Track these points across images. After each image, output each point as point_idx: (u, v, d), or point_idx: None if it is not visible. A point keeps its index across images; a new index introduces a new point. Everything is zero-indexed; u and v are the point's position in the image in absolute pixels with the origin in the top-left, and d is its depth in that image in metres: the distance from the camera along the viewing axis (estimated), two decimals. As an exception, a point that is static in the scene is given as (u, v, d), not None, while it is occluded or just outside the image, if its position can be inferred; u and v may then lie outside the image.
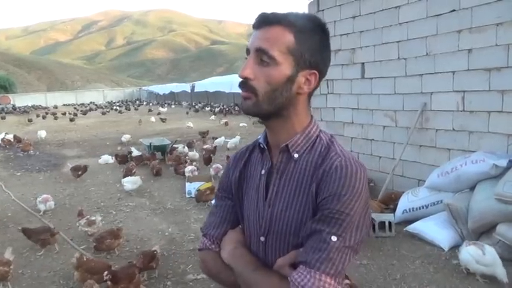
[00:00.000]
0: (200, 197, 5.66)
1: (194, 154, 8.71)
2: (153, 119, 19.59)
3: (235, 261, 1.01)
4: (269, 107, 0.94)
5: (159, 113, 24.79)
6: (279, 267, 0.93)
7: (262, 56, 0.91)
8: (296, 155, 0.98)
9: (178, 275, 3.66)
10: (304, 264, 0.87)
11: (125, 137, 12.13)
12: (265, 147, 1.03)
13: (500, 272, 3.12)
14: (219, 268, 1.05)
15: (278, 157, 1.01)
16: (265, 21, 0.93)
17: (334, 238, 0.87)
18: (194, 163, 7.88)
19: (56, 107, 36.84)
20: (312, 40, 0.94)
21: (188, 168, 7.11)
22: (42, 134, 14.11)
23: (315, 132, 1.00)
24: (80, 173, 7.58)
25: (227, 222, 1.10)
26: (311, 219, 0.91)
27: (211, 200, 5.71)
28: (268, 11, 0.96)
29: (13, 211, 5.78)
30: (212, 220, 1.13)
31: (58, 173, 8.49)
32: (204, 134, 12.22)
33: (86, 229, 4.45)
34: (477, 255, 3.19)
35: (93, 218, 4.54)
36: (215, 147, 9.53)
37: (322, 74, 0.97)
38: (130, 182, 6.53)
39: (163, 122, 18.79)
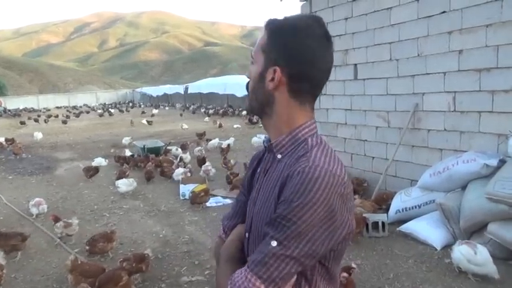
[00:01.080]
0: (195, 199, 5.66)
1: (186, 157, 8.67)
2: (144, 121, 19.50)
3: (222, 251, 1.07)
4: (255, 103, 1.02)
5: (152, 115, 24.73)
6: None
7: (251, 56, 1.03)
8: (279, 156, 0.99)
9: (172, 277, 3.66)
10: (247, 263, 0.89)
11: (126, 139, 11.97)
12: (266, 146, 1.06)
13: (492, 270, 3.16)
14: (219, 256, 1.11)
15: (267, 157, 1.04)
16: (264, 26, 1.02)
17: (274, 243, 0.85)
18: (189, 166, 7.84)
19: (48, 109, 36.50)
20: (282, 38, 0.96)
21: (179, 171, 7.10)
22: (38, 135, 14.05)
23: (304, 135, 0.98)
24: (91, 173, 7.68)
25: (239, 216, 1.15)
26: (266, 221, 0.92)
27: (206, 201, 5.71)
28: (263, 13, 0.99)
29: (5, 215, 5.73)
30: (229, 212, 1.20)
31: (51, 176, 8.43)
32: (201, 136, 12.21)
33: (61, 230, 4.45)
34: (468, 255, 3.22)
35: (70, 221, 4.54)
36: (228, 145, 9.63)
37: (290, 72, 0.95)
38: (125, 184, 6.50)
39: (149, 124, 18.47)
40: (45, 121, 22.06)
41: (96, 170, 7.79)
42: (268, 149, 1.03)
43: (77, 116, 26.89)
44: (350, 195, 0.91)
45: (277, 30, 0.97)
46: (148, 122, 19.02)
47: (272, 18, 1.01)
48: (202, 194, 5.69)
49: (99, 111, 30.93)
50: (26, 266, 3.99)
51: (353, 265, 2.96)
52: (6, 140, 12.51)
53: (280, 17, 1.01)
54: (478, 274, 3.25)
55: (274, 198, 0.93)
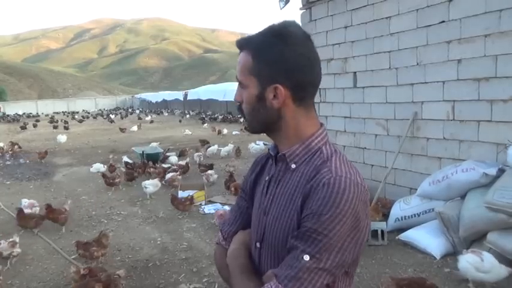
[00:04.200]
0: (178, 205, 5.63)
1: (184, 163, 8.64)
2: (134, 128, 19.44)
3: (231, 261, 1.05)
4: (257, 124, 1.00)
5: (151, 121, 24.77)
6: (267, 277, 0.92)
7: (239, 81, 1.00)
8: (293, 166, 0.98)
9: (170, 285, 3.63)
10: (276, 277, 0.88)
11: (153, 145, 11.49)
12: (273, 154, 1.05)
13: (501, 273, 3.11)
14: (222, 264, 1.09)
15: (278, 166, 1.03)
16: (238, 47, 1.00)
17: (306, 257, 0.85)
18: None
19: (47, 115, 36.47)
20: (270, 54, 0.93)
21: (168, 175, 7.08)
22: (62, 139, 14.31)
23: (317, 144, 0.97)
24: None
25: (239, 222, 1.14)
26: (291, 234, 0.91)
27: (188, 210, 5.69)
28: (263, 21, 0.99)
29: (2, 220, 5.70)
30: (229, 217, 1.18)
31: (49, 181, 8.39)
32: (203, 142, 12.23)
33: (10, 251, 4.07)
34: (476, 263, 3.17)
35: (12, 239, 4.18)
36: (238, 148, 9.63)
37: (293, 84, 0.94)
38: (152, 185, 6.56)
39: (122, 132, 18.03)
40: (54, 127, 21.68)
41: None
42: (279, 159, 1.01)
43: (80, 122, 26.74)
44: (368, 201, 0.93)
45: (261, 48, 0.94)
46: (121, 129, 18.44)
47: (244, 38, 0.99)
48: (188, 202, 5.67)
49: (112, 116, 30.74)
50: (23, 273, 3.96)
51: None
52: (12, 143, 12.57)
53: (252, 34, 0.99)
54: (488, 282, 3.18)
55: (295, 210, 0.92)
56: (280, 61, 0.93)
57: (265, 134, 1.05)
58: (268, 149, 1.08)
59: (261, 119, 0.98)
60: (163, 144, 12.44)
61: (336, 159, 0.94)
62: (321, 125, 1.02)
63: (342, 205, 0.85)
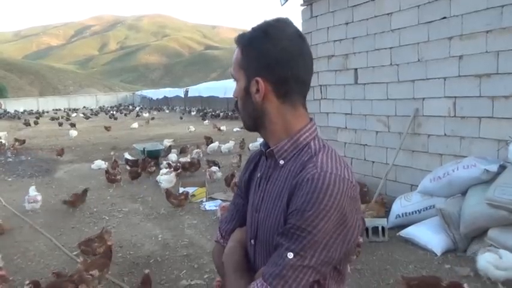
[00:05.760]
0: (173, 198, 5.67)
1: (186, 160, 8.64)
2: (135, 124, 19.42)
3: (226, 258, 1.06)
4: (248, 120, 1.02)
5: (153, 118, 24.77)
6: (259, 275, 0.92)
7: (232, 76, 1.03)
8: (282, 162, 0.98)
9: (171, 281, 3.64)
10: (262, 275, 0.88)
11: (167, 141, 11.47)
12: (264, 150, 1.05)
13: None
14: (220, 262, 1.09)
15: (267, 162, 1.03)
16: (235, 43, 1.02)
17: (290, 255, 0.84)
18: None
19: (47, 112, 36.46)
20: (254, 49, 0.95)
21: (163, 171, 7.09)
22: (73, 133, 15.15)
23: (305, 139, 0.97)
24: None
25: (236, 220, 1.14)
26: (277, 231, 0.91)
27: (183, 205, 5.71)
28: (264, 17, 1.00)
29: (4, 217, 5.70)
30: (226, 215, 1.19)
31: (50, 178, 8.42)
32: (208, 140, 12.23)
33: None
34: (495, 261, 3.12)
35: None
36: (243, 140, 9.63)
37: (274, 79, 0.95)
38: (166, 181, 6.59)
39: (107, 130, 17.76)
40: (60, 124, 21.65)
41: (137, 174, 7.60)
42: (268, 155, 1.02)
43: (86, 118, 26.66)
44: (358, 196, 0.91)
45: (248, 42, 0.97)
46: (106, 127, 18.20)
47: (240, 34, 1.01)
48: (182, 197, 5.69)
49: (114, 112, 30.76)
50: (25, 269, 3.98)
51: (465, 286, 2.82)
52: (16, 139, 12.63)
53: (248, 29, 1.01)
54: (509, 279, 3.11)
55: (282, 207, 0.92)
56: (262, 55, 0.94)
57: None
58: (260, 145, 1.08)
59: (249, 113, 1.00)
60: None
61: (322, 154, 0.93)
62: (310, 119, 1.01)
63: (326, 201, 0.84)
